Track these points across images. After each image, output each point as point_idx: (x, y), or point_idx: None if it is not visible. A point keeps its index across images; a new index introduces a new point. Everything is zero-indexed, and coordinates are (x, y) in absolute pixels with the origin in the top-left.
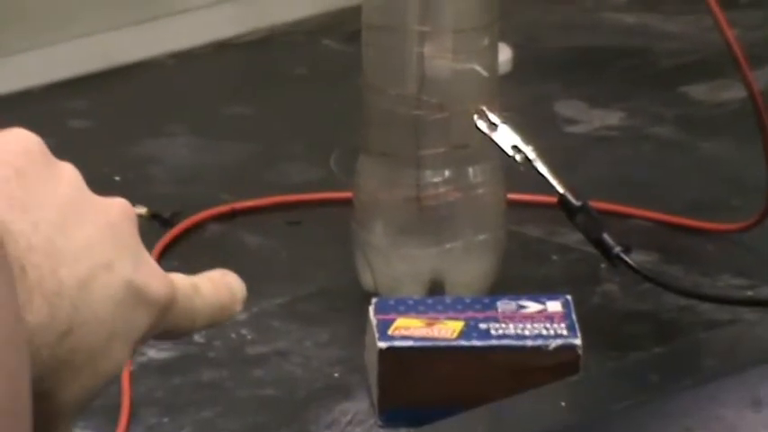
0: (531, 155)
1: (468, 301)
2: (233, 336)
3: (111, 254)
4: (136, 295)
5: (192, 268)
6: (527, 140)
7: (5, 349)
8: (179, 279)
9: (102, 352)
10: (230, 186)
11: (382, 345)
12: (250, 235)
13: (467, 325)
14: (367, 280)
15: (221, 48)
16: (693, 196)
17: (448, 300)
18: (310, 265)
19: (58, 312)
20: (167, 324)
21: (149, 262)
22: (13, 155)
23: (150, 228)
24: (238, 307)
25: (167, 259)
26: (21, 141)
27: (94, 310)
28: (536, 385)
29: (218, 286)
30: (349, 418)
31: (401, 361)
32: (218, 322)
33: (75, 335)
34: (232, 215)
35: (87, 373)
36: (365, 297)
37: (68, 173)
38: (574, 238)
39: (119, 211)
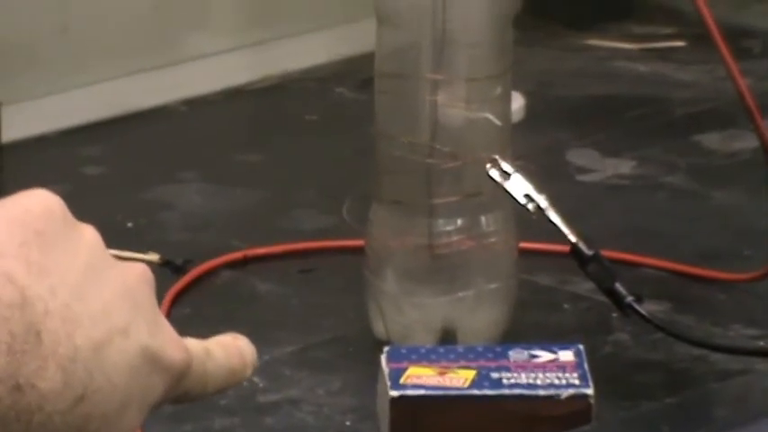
0: (544, 203)
1: (479, 349)
2: (244, 383)
3: (128, 319)
4: (152, 361)
5: (203, 315)
6: (539, 189)
7: None
8: (192, 344)
9: (115, 418)
10: (242, 233)
11: (394, 393)
12: (262, 282)
13: (478, 374)
14: (379, 328)
15: (233, 94)
16: (705, 245)
17: (460, 348)
18: (322, 312)
19: (71, 378)
20: (180, 389)
21: (166, 327)
22: (33, 216)
23: (162, 275)
24: (249, 371)
25: (179, 306)
26: (42, 203)
27: (109, 375)
28: None
29: (229, 351)
30: None
31: (413, 410)
32: (229, 387)
33: (88, 401)
34: (244, 262)
35: None
36: (377, 345)
37: (89, 235)
38: (585, 286)
39: (137, 276)
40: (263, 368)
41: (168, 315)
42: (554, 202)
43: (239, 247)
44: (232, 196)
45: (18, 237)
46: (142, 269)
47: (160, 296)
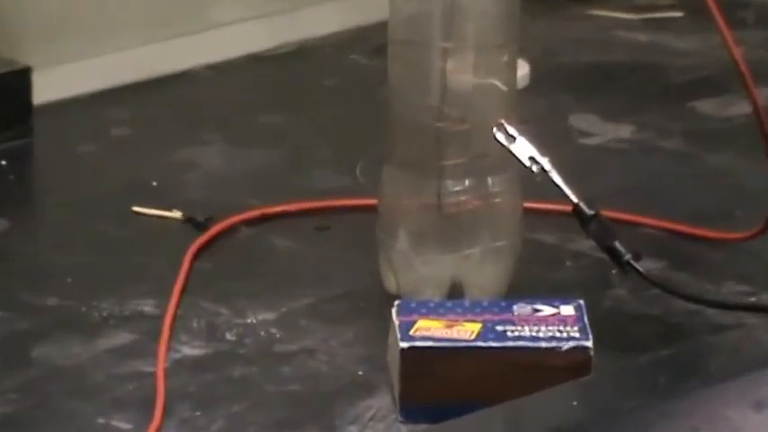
0: (547, 166)
1: (485, 304)
2: (262, 334)
3: None
4: None
5: (223, 270)
6: (543, 152)
7: None
8: None
9: None
10: (260, 192)
11: (404, 344)
12: (279, 239)
13: (484, 326)
14: (390, 283)
15: (254, 60)
16: (700, 206)
17: (467, 303)
18: (336, 268)
19: None
20: None
21: None
22: None
23: (185, 231)
24: None
25: (200, 261)
26: None
27: None
28: (550, 385)
29: None
30: (372, 413)
31: (422, 360)
32: None
33: None
34: (262, 219)
35: None
36: (388, 299)
37: None
38: (586, 244)
39: None
40: (279, 320)
41: (190, 269)
42: (557, 164)
43: (257, 206)
44: (251, 157)
45: None
46: None
47: (182, 251)
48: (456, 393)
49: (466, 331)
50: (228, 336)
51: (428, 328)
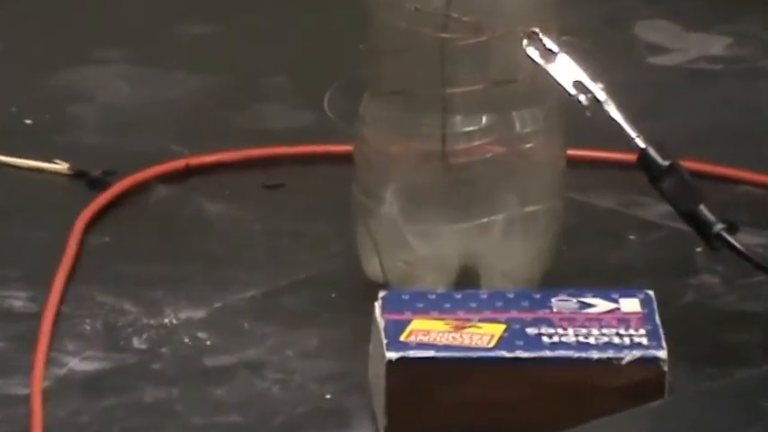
0: (601, 95)
1: (511, 296)
2: (185, 340)
3: None
4: None
5: (129, 247)
6: (595, 75)
7: None
8: None
9: None
10: (184, 134)
11: (392, 355)
12: (211, 202)
13: (509, 329)
14: (372, 266)
15: None
16: None
17: (483, 294)
18: (293, 244)
19: None
20: None
21: None
22: None
23: (75, 190)
24: None
25: (96, 233)
26: None
27: None
28: (603, 413)
29: None
30: None
31: (418, 378)
32: None
33: None
34: (187, 174)
35: None
36: (369, 289)
37: None
38: (659, 210)
39: None
40: (210, 319)
41: (80, 247)
42: (616, 93)
43: (180, 154)
44: (169, 83)
45: None
46: None
47: (70, 220)
48: (466, 425)
49: (482, 336)
50: (137, 343)
51: (427, 332)
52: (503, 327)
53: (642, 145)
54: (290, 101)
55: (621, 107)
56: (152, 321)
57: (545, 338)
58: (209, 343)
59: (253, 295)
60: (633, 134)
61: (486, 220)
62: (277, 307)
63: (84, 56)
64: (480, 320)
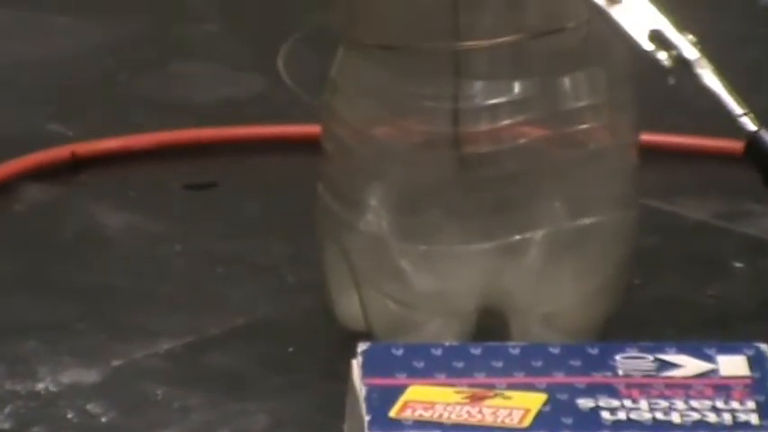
0: (691, 53)
1: (555, 351)
2: (69, 416)
3: None
4: None
5: None
6: (681, 26)
7: None
8: None
9: None
10: (71, 108)
11: None
12: (108, 210)
13: (551, 400)
14: (347, 306)
15: None
16: None
17: (514, 349)
18: (230, 273)
19: None
20: None
21: None
22: None
23: None
24: None
25: None
26: None
27: None
28: None
29: None
30: None
31: None
32: None
33: None
34: (73, 167)
35: None
36: (343, 340)
37: None
38: None
39: None
40: (106, 385)
41: None
42: (714, 50)
43: (63, 138)
44: (51, 33)
45: None
46: None
47: None
48: None
49: (511, 411)
50: (3, 422)
51: (430, 405)
52: (542, 397)
53: (753, 126)
54: (225, 59)
55: (721, 71)
56: (19, 387)
57: (605, 414)
58: (104, 420)
59: (169, 349)
60: (739, 111)
61: (518, 237)
62: (205, 367)
63: None
64: (509, 387)
